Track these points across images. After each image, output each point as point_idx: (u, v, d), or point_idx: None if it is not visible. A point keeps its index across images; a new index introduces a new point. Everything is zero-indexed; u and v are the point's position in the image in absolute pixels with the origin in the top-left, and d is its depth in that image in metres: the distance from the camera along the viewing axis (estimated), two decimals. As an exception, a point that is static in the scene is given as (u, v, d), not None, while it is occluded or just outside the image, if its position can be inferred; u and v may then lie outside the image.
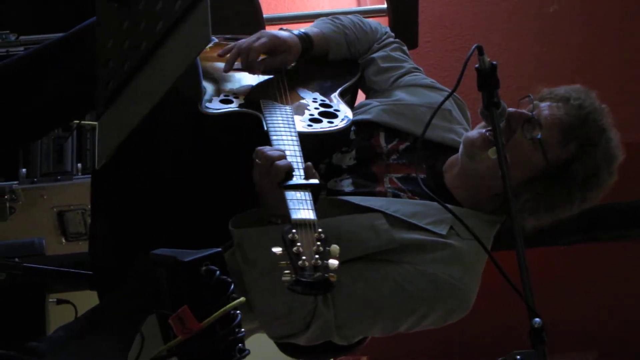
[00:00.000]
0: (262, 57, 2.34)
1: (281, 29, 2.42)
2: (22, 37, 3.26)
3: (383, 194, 2.22)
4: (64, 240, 3.17)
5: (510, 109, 2.11)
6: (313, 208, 1.82)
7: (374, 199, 2.19)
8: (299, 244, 1.69)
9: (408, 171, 2.27)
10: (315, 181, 1.93)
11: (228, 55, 2.33)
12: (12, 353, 1.99)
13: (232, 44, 2.36)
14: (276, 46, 2.34)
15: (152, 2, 1.83)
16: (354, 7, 4.49)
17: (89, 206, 2.49)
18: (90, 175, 2.63)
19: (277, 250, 1.69)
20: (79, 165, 3.11)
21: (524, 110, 2.19)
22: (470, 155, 2.21)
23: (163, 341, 1.70)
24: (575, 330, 4.65)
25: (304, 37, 2.40)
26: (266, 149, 1.99)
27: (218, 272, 1.68)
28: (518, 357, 1.63)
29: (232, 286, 1.67)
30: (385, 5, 3.46)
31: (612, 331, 4.84)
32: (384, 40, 2.56)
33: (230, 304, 1.65)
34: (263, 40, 2.32)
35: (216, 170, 2.23)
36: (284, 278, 1.67)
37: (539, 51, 4.50)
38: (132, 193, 2.22)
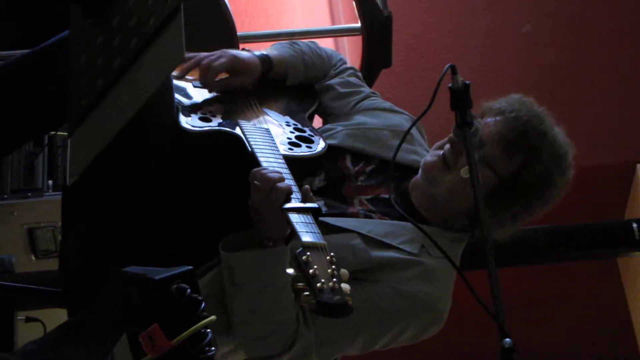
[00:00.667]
0: (221, 75, 2.35)
1: (243, 49, 2.43)
2: (-7, 52, 3.24)
3: (355, 215, 2.25)
4: (33, 258, 3.14)
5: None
6: (319, 232, 1.84)
7: (347, 219, 2.21)
8: (315, 266, 1.71)
9: (377, 192, 2.30)
10: (315, 205, 1.94)
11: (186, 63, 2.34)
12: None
13: (193, 54, 2.37)
14: (235, 67, 2.36)
15: (126, 18, 1.82)
16: (328, 25, 4.50)
17: (60, 223, 2.47)
18: (61, 192, 2.61)
19: (291, 271, 1.72)
20: (50, 182, 3.09)
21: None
22: (430, 180, 2.25)
23: (133, 359, 1.69)
24: (545, 351, 4.66)
25: (265, 59, 2.42)
26: (265, 170, 2.00)
27: (189, 290, 1.67)
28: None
29: (203, 305, 1.66)
30: (359, 25, 3.47)
31: (585, 353, 4.85)
32: (339, 67, 2.59)
33: (201, 323, 1.64)
34: (222, 60, 2.34)
35: (191, 186, 2.22)
36: (302, 299, 1.69)
37: (513, 71, 4.53)
38: (104, 210, 2.20)
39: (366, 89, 2.57)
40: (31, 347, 2.09)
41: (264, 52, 2.44)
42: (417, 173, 2.31)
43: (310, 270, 1.70)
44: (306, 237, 1.80)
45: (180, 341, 1.62)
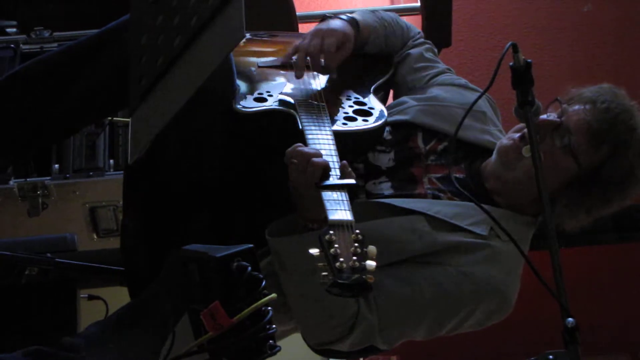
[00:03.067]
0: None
1: (325, 16, 2.40)
2: (56, 34, 3.27)
3: (423, 196, 2.21)
4: (95, 237, 3.18)
5: (540, 117, 2.09)
6: (350, 209, 1.81)
7: (414, 200, 2.18)
8: (336, 245, 1.68)
9: (447, 171, 2.25)
10: (352, 181, 1.91)
11: (293, 58, 2.31)
12: (49, 348, 1.99)
13: (290, 43, 2.35)
14: (341, 41, 2.31)
15: (186, -2, 1.83)
16: (387, 4, 4.48)
17: (121, 202, 2.50)
18: (122, 172, 2.63)
19: (314, 251, 1.68)
20: (111, 161, 3.12)
21: (552, 118, 2.18)
22: (505, 164, 2.20)
23: (194, 337, 1.70)
24: (608, 332, 4.62)
25: (353, 23, 2.37)
26: (302, 147, 1.97)
27: (249, 268, 1.67)
28: (550, 357, 1.63)
29: (264, 282, 1.67)
30: (418, 4, 3.45)
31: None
32: (418, 39, 2.55)
33: (262, 300, 1.65)
34: (332, 40, 2.29)
35: (250, 168, 2.22)
36: (321, 280, 1.66)
37: (573, 51, 4.47)
38: (165, 189, 2.22)
39: (442, 65, 2.53)
40: (94, 330, 2.11)
41: (351, 16, 2.39)
42: (490, 153, 2.26)
43: (332, 250, 1.67)
44: (333, 215, 1.78)
45: (241, 319, 1.63)
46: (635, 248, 4.36)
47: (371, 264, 1.66)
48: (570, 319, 1.66)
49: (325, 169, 1.91)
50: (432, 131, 2.32)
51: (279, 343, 1.69)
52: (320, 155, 1.94)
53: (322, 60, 2.30)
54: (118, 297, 2.35)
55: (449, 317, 2.14)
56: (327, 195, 1.86)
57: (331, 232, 1.71)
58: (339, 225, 1.74)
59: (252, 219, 2.17)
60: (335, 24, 2.34)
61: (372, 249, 1.69)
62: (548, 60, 4.43)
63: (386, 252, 1.93)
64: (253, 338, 1.64)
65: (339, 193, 1.86)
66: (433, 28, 3.22)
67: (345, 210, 1.80)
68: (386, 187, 2.23)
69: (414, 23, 2.66)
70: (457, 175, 2.25)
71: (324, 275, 1.66)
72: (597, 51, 4.49)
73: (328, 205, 1.81)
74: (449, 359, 4.76)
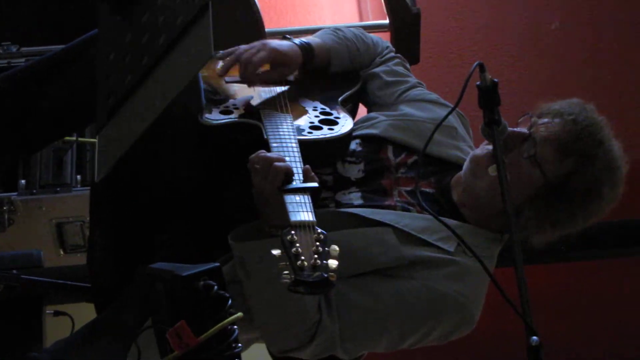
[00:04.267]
0: (261, 69, 2.32)
1: (284, 36, 2.41)
2: (23, 49, 3.26)
3: (392, 208, 2.21)
4: (62, 252, 3.16)
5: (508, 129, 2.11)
6: (312, 210, 1.82)
7: (383, 212, 2.18)
8: (297, 244, 1.69)
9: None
10: (314, 184, 1.92)
11: (226, 59, 2.33)
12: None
13: (232, 49, 2.35)
14: (276, 60, 2.32)
15: (155, 16, 1.83)
16: (356, 22, 4.49)
17: (88, 218, 2.49)
18: (89, 187, 2.62)
19: (276, 252, 1.69)
20: (79, 177, 3.10)
21: (520, 129, 2.19)
22: (474, 173, 2.20)
23: (160, 355, 1.70)
24: (574, 349, 4.64)
25: (306, 47, 2.37)
26: (264, 152, 1.98)
27: (216, 287, 1.67)
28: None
29: (230, 301, 1.67)
30: (387, 21, 3.46)
31: (614, 351, 4.82)
32: (385, 55, 2.54)
33: (228, 319, 1.65)
34: (262, 54, 2.29)
35: (217, 182, 2.22)
36: (283, 280, 1.67)
37: (542, 68, 4.50)
38: (132, 206, 2.21)
39: (412, 79, 2.51)
40: (60, 345, 2.11)
41: (305, 40, 2.39)
42: (458, 169, 2.26)
43: (293, 249, 1.68)
44: (294, 217, 1.78)
45: (207, 337, 1.63)
46: (603, 265, 4.39)
47: (333, 262, 1.67)
48: (534, 337, 1.66)
49: (288, 173, 1.92)
50: (402, 145, 2.33)
51: (244, 353, 1.69)
52: (283, 160, 1.95)
53: (251, 71, 2.30)
54: (84, 313, 2.34)
55: (410, 330, 2.14)
56: (290, 198, 1.86)
57: (292, 232, 1.72)
58: (301, 225, 1.76)
59: (218, 229, 2.16)
60: (282, 45, 2.35)
61: (334, 248, 1.70)
62: (517, 77, 4.46)
63: (352, 262, 1.93)
64: (219, 357, 1.64)
65: (301, 196, 1.87)
66: (401, 45, 3.23)
67: (306, 211, 1.81)
68: (356, 197, 2.24)
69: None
70: (427, 190, 2.26)
71: (286, 274, 1.67)
72: (566, 67, 4.52)
73: (290, 208, 1.82)
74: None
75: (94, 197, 2.34)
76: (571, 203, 2.19)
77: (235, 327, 1.66)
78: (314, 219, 1.78)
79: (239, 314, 1.66)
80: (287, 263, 1.67)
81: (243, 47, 2.34)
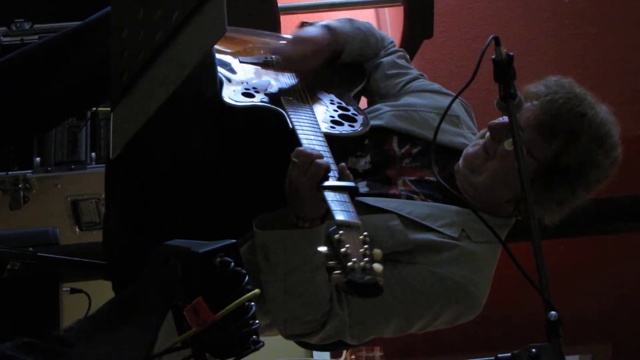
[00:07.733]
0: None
1: (304, 22, 2.41)
2: (36, 26, 3.26)
3: (397, 197, 2.23)
4: (77, 230, 3.17)
5: (491, 122, 2.15)
6: (355, 211, 1.83)
7: (387, 200, 2.21)
8: (347, 245, 1.69)
9: (421, 174, 2.29)
10: (352, 183, 1.93)
11: (273, 57, 2.37)
12: (42, 342, 1.98)
13: (267, 37, 2.36)
14: (313, 51, 2.35)
15: (168, -8, 1.82)
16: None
17: (103, 195, 2.49)
18: (104, 165, 2.62)
19: (322, 249, 1.70)
20: (93, 154, 3.11)
21: (503, 119, 2.19)
22: (471, 169, 2.23)
23: (177, 332, 1.70)
24: (589, 321, 4.65)
25: (329, 29, 2.40)
26: (304, 147, 1.99)
27: (232, 264, 1.67)
28: (533, 350, 1.63)
29: (247, 278, 1.67)
30: (400, -5, 3.45)
31: (626, 322, 4.83)
32: (389, 48, 2.58)
33: (245, 296, 1.65)
34: (299, 48, 2.34)
35: (234, 162, 2.22)
36: (333, 277, 1.67)
37: (556, 41, 4.49)
38: (147, 183, 2.21)
39: (414, 71, 2.56)
40: (84, 324, 2.11)
41: (327, 24, 2.42)
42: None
43: (342, 249, 1.68)
44: (340, 216, 1.79)
45: (225, 314, 1.63)
46: (616, 239, 4.39)
47: (378, 266, 1.68)
48: (552, 312, 1.66)
49: (327, 171, 1.94)
50: (407, 135, 2.35)
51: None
52: (322, 157, 1.96)
53: (295, 65, 2.34)
54: (101, 290, 2.35)
55: (417, 315, 2.16)
56: (331, 195, 1.87)
57: (341, 231, 1.72)
58: (347, 226, 1.76)
59: (236, 211, 2.17)
60: (312, 33, 2.37)
61: (377, 252, 1.71)
62: (530, 50, 4.44)
63: None
64: (236, 334, 1.64)
65: (340, 194, 1.88)
66: (415, 20, 3.22)
67: (351, 212, 1.82)
68: (361, 186, 2.25)
69: (396, 14, 2.66)
70: (431, 178, 2.28)
71: (336, 273, 1.67)
72: (580, 42, 4.51)
73: (333, 206, 1.83)
74: (430, 352, 4.79)
75: (109, 175, 2.35)
76: (567, 179, 2.19)
77: (253, 303, 1.66)
78: (359, 221, 1.79)
79: (257, 290, 1.66)
80: (336, 263, 1.68)
81: (277, 44, 2.39)
